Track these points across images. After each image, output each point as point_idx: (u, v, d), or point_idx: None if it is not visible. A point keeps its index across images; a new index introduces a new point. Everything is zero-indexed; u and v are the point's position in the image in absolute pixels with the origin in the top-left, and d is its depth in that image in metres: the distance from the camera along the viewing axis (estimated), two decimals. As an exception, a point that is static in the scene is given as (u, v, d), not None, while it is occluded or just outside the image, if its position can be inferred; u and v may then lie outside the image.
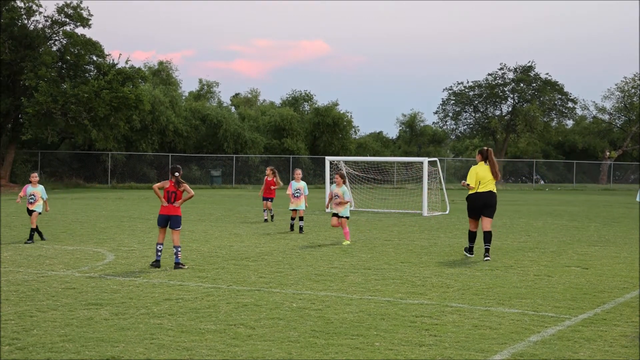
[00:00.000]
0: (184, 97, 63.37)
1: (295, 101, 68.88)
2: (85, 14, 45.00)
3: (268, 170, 22.85)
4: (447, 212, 26.94)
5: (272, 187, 22.39)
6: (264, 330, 7.86)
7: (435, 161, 29.04)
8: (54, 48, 45.52)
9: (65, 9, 44.68)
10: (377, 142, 73.67)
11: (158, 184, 12.49)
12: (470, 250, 14.43)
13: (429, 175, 27.12)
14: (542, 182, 72.40)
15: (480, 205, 14.14)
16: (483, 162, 14.19)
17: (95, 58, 46.15)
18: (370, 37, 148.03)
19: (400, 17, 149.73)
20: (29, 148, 49.35)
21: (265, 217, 22.28)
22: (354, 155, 59.03)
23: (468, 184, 14.11)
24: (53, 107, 42.11)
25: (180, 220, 12.55)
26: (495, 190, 14.19)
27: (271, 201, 22.33)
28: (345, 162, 31.31)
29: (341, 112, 64.46)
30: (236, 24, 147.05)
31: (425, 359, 6.81)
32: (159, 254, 12.29)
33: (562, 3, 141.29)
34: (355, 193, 30.67)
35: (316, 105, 66.43)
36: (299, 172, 19.67)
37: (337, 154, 59.44)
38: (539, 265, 12.96)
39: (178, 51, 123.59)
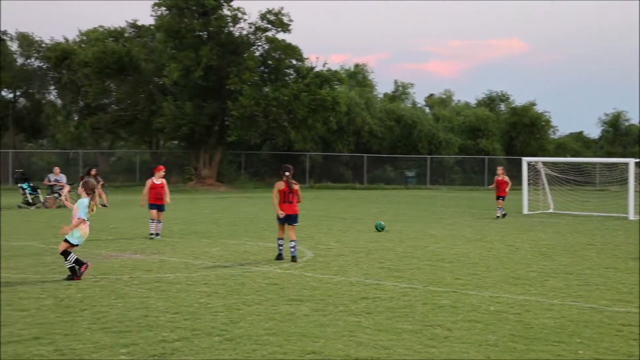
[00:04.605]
0: (379, 99, 64.02)
1: (490, 101, 67.60)
2: (286, 19, 46.62)
3: (499, 170, 25.10)
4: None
5: (504, 187, 24.30)
6: (461, 332, 7.81)
7: (643, 162, 27.37)
8: (257, 53, 47.46)
9: (268, 15, 46.51)
10: (578, 143, 70.66)
11: (274, 191, 13.54)
12: None
13: (635, 177, 25.64)
14: None
15: None
16: None
17: (294, 62, 47.67)
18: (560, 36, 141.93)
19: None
20: (233, 149, 51.88)
21: (498, 214, 23.99)
22: (553, 156, 56.99)
23: None
24: (256, 110, 44.03)
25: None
26: None
27: (502, 199, 24.14)
28: (544, 163, 30.35)
29: (539, 111, 62.51)
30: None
31: (633, 371, 6.50)
32: (281, 248, 13.38)
33: None
34: (554, 195, 29.61)
35: (513, 105, 64.84)
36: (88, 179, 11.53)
37: (535, 155, 57.54)
38: None
39: (372, 54, 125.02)
